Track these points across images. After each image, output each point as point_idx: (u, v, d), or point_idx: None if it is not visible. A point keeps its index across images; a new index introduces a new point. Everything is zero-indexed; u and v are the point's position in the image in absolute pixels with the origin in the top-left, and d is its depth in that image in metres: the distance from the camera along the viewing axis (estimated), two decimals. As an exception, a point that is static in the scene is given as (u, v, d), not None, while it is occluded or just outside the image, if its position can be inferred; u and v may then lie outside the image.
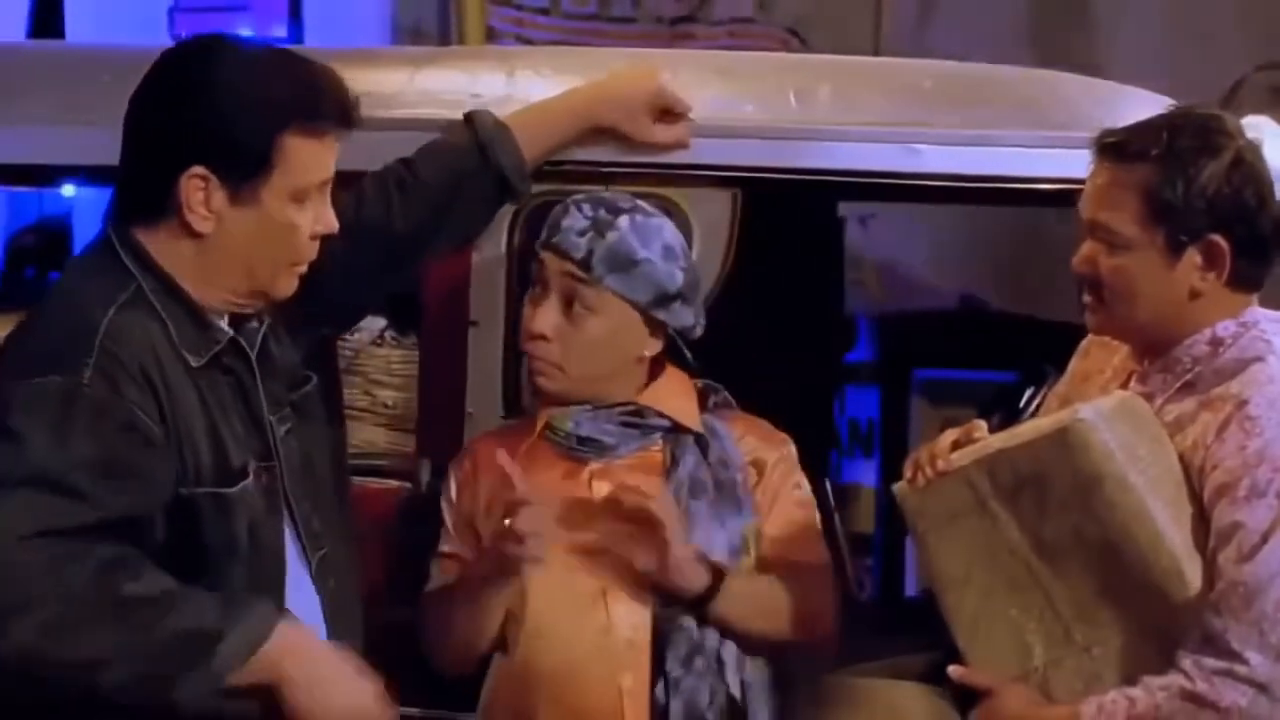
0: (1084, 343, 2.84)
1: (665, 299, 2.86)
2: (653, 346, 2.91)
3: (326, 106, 2.47)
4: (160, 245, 2.47)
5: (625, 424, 2.89)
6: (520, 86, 3.19)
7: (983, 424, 2.64)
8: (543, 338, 2.85)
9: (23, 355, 2.40)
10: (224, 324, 2.53)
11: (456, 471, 2.97)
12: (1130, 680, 2.51)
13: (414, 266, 2.98)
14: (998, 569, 2.59)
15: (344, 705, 2.41)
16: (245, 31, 6.40)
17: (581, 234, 2.82)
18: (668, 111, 3.06)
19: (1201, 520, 2.51)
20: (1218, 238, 2.53)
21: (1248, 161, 2.54)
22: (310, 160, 2.46)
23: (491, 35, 6.34)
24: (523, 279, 3.10)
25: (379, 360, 3.30)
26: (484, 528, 2.88)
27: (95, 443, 2.33)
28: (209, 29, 6.36)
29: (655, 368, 2.95)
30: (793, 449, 2.98)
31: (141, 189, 2.48)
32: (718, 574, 2.79)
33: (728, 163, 3.11)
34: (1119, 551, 2.50)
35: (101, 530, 2.31)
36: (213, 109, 2.42)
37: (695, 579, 2.78)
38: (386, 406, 3.30)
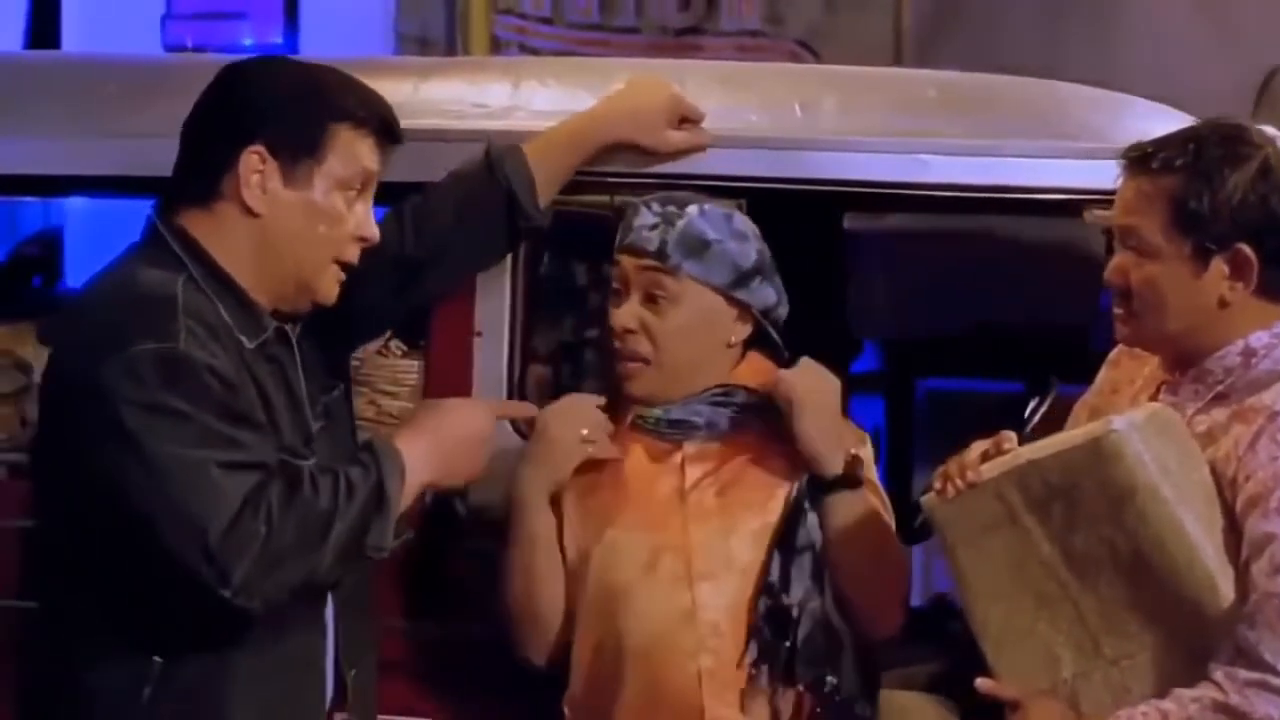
0: (1114, 353, 2.83)
1: (744, 278, 2.86)
2: (740, 332, 2.91)
3: (374, 113, 2.61)
4: (212, 230, 2.55)
5: (715, 403, 2.89)
6: (525, 97, 3.19)
7: (1012, 435, 2.63)
8: (629, 331, 2.85)
9: (97, 336, 2.42)
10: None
11: None
12: (1159, 693, 2.51)
13: (429, 289, 3.01)
14: (1027, 581, 2.58)
15: (471, 455, 2.68)
16: (245, 40, 6.39)
17: (653, 228, 2.84)
18: (682, 119, 3.08)
19: (1233, 532, 2.50)
20: (1244, 247, 2.53)
21: (1274, 171, 2.54)
22: (358, 155, 2.59)
23: (496, 44, 6.33)
24: (527, 290, 3.11)
25: (385, 370, 3.29)
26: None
27: (209, 399, 2.40)
28: (203, 36, 6.36)
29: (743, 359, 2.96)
30: (870, 449, 2.97)
31: (199, 171, 2.57)
32: (851, 466, 2.82)
33: (733, 173, 3.11)
34: (1151, 564, 2.49)
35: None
36: (273, 93, 2.57)
37: (833, 453, 2.80)
38: (392, 416, 3.30)
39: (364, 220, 2.61)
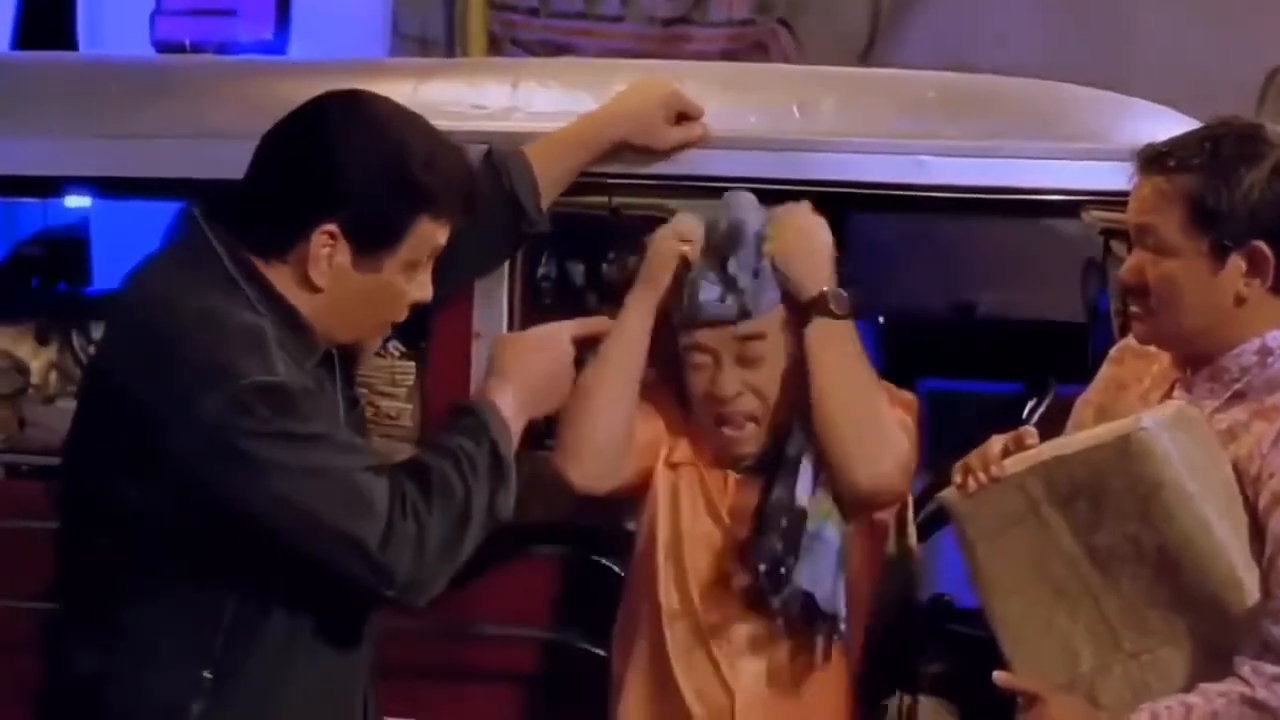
0: (1116, 350, 2.84)
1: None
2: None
3: (461, 201, 2.55)
4: (272, 273, 2.48)
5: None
6: (524, 98, 3.19)
7: (1033, 431, 2.64)
8: (738, 395, 2.90)
9: (189, 374, 2.36)
10: None
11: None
12: (1179, 688, 2.52)
13: (436, 295, 2.98)
14: (1047, 576, 2.59)
15: (558, 386, 2.68)
16: (232, 37, 6.36)
17: (723, 299, 2.88)
18: (682, 116, 3.08)
19: (1256, 529, 2.52)
20: (1261, 244, 2.55)
21: None
22: (434, 239, 2.53)
23: (493, 41, 6.31)
24: (525, 292, 3.11)
25: (383, 371, 3.29)
26: None
27: (325, 424, 2.41)
28: (192, 33, 6.33)
29: None
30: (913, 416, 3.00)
31: (269, 228, 2.48)
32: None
33: (730, 174, 3.11)
34: (1176, 560, 2.50)
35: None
36: (362, 176, 2.45)
37: (808, 277, 2.88)
38: (390, 418, 3.30)
39: (422, 286, 2.56)
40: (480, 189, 2.61)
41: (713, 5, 6.31)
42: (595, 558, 3.17)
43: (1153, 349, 2.73)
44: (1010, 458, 2.62)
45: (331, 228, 2.45)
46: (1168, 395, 2.66)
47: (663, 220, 3.02)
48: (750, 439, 2.92)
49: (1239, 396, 2.59)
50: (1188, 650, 2.54)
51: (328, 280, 2.47)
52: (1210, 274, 2.56)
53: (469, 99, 3.21)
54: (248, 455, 2.33)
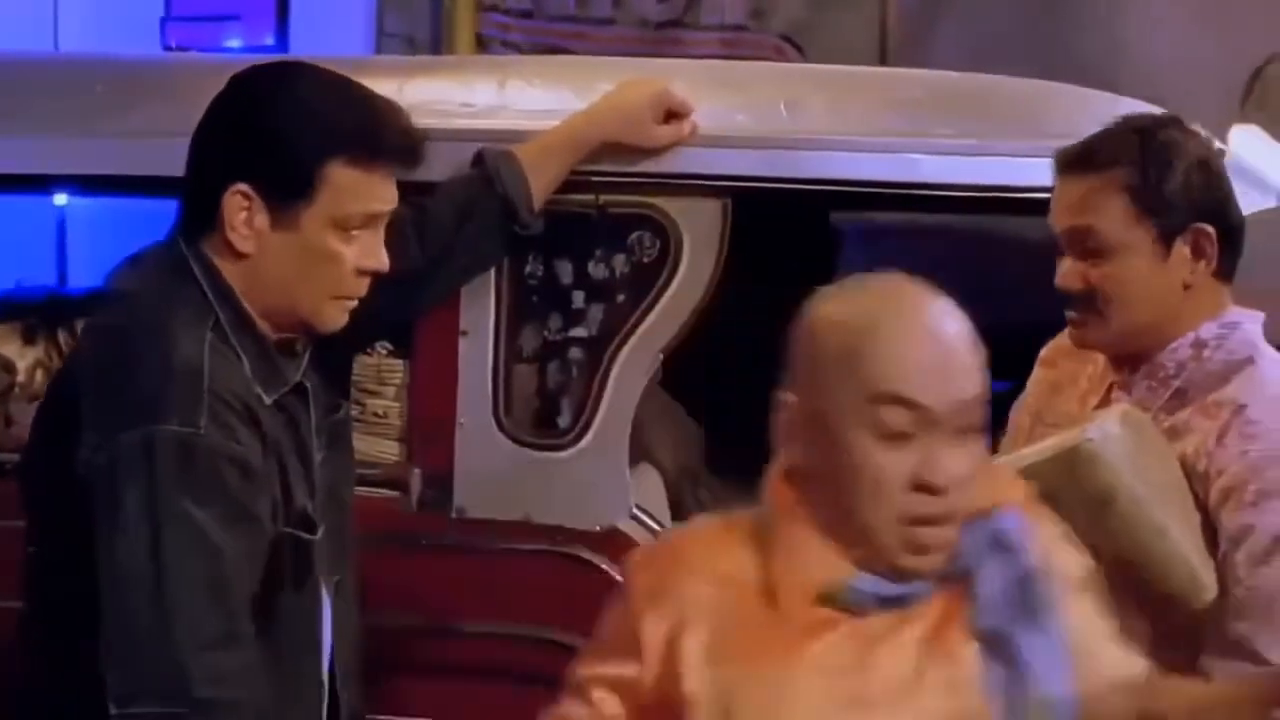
0: (1046, 352, 2.84)
1: None
2: None
3: (381, 141, 2.43)
4: (220, 261, 2.43)
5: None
6: (511, 96, 3.19)
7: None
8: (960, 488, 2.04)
9: (124, 401, 2.33)
10: (287, 365, 2.51)
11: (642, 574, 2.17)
12: None
13: (427, 299, 2.99)
14: None
15: None
16: (234, 41, 6.40)
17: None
18: (671, 114, 3.07)
19: (1208, 525, 2.52)
20: (1204, 226, 2.57)
21: (1212, 154, 2.61)
22: (357, 191, 2.41)
23: (481, 43, 6.31)
24: (513, 289, 3.11)
25: (369, 369, 3.28)
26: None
27: (220, 492, 2.32)
28: (199, 38, 6.38)
29: None
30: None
31: (193, 202, 2.45)
32: None
33: (718, 172, 3.10)
34: (1133, 565, 2.49)
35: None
36: (263, 128, 2.39)
37: None
38: (377, 416, 3.29)
39: (368, 252, 2.45)
40: (420, 138, 2.50)
41: (705, 10, 6.30)
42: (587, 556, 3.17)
43: (1078, 348, 2.73)
44: None
45: (243, 186, 2.38)
46: (1106, 397, 2.66)
47: (650, 218, 3.03)
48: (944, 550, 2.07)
49: (1180, 395, 2.59)
50: (1151, 650, 2.53)
51: (252, 245, 2.40)
52: (1159, 262, 2.56)
53: (457, 97, 3.20)
54: (122, 501, 2.28)
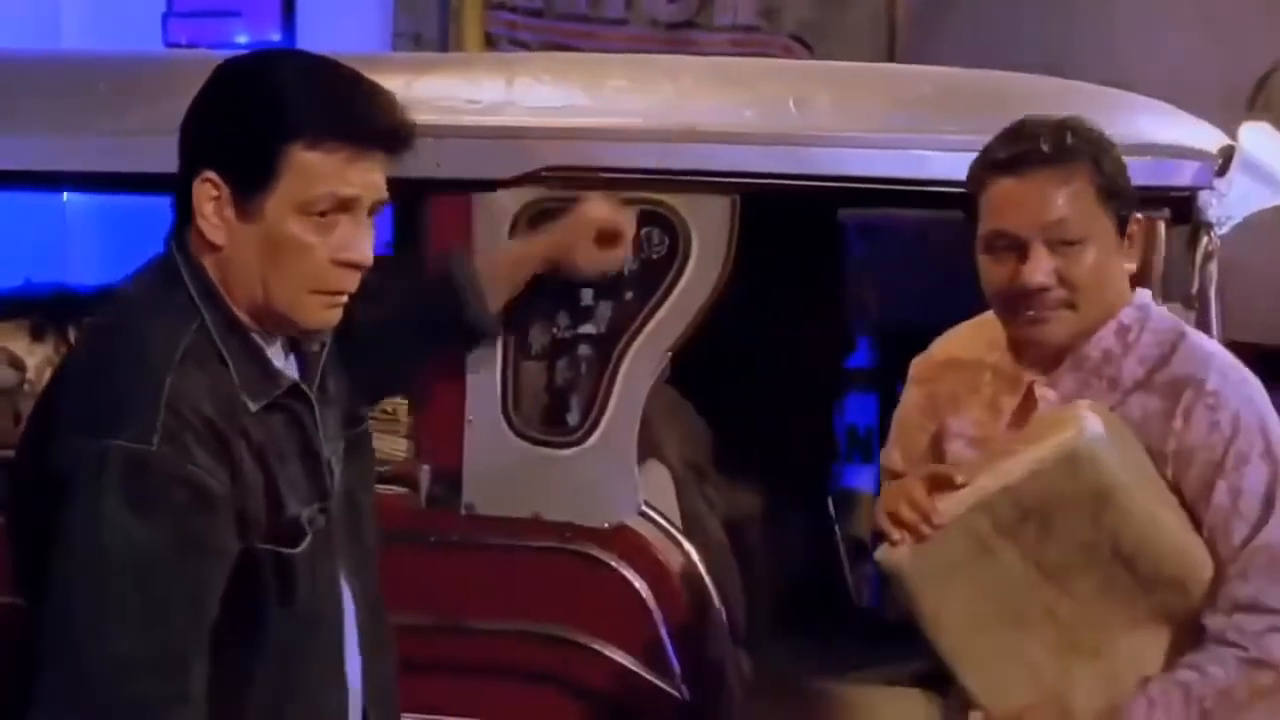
0: (921, 368, 2.83)
1: None
2: None
3: (348, 122, 2.29)
4: (199, 258, 2.35)
5: None
6: (519, 93, 3.18)
7: (953, 468, 2.58)
8: None
9: (87, 406, 2.27)
10: (287, 365, 2.42)
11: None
12: (1154, 668, 2.53)
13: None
14: (998, 601, 2.55)
15: None
16: (240, 38, 6.41)
17: None
18: (612, 234, 3.07)
19: (1184, 503, 2.55)
20: (1138, 214, 2.63)
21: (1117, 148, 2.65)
22: (322, 175, 2.27)
23: (489, 41, 6.31)
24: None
25: (378, 367, 3.28)
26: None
27: (165, 513, 2.22)
28: (203, 34, 6.39)
29: None
30: None
31: (176, 197, 2.36)
32: None
33: (727, 168, 3.10)
34: (1132, 555, 2.50)
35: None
36: (229, 114, 2.31)
37: None
38: (385, 413, 3.29)
39: (344, 244, 2.31)
40: (401, 122, 2.34)
41: (717, 10, 6.31)
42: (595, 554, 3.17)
43: (961, 356, 2.74)
44: (945, 500, 2.53)
45: (211, 174, 2.29)
46: (1029, 397, 2.65)
47: (659, 215, 3.03)
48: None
49: (1114, 383, 2.59)
50: (1152, 630, 2.54)
51: (223, 235, 2.30)
52: (1118, 247, 2.60)
53: (464, 94, 3.20)
54: (66, 513, 2.21)
